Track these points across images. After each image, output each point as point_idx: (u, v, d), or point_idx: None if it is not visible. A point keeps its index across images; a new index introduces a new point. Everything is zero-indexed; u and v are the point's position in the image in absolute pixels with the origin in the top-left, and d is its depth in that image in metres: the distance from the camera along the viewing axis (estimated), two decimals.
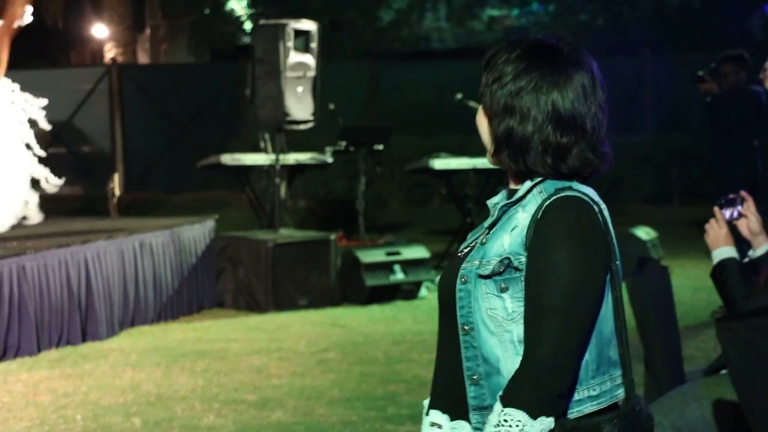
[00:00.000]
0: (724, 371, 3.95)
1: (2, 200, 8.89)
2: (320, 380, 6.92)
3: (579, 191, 2.31)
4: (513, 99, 2.31)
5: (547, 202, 2.27)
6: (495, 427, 2.21)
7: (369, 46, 20.56)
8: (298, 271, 9.51)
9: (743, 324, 3.30)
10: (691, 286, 9.44)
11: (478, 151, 11.16)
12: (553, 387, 2.21)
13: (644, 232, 10.63)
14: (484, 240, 2.35)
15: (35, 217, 9.21)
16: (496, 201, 2.41)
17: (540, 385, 2.20)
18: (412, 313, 9.18)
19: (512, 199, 2.34)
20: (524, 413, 2.19)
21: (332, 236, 9.89)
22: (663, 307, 4.36)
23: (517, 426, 2.20)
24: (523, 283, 2.26)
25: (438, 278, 2.50)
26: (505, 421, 2.20)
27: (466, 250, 2.38)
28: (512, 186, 2.40)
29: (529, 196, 2.32)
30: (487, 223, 2.38)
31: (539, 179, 2.33)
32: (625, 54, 19.09)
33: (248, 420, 6.04)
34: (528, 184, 2.33)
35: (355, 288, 9.67)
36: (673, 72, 17.03)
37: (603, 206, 2.33)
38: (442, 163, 11.13)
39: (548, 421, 2.21)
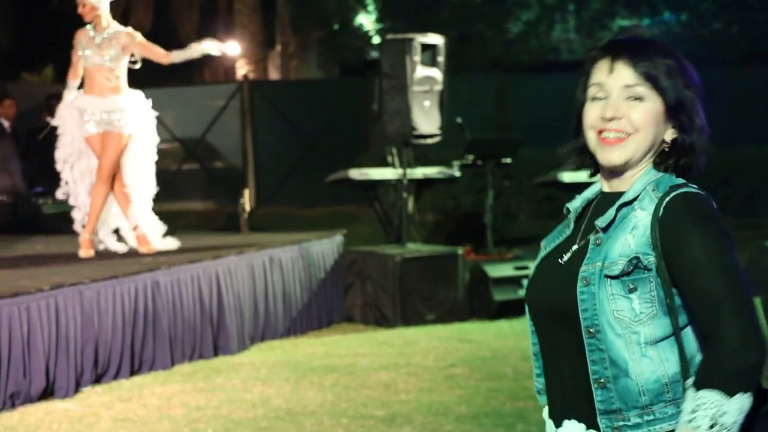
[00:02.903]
0: None
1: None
2: (448, 396, 6.90)
3: (692, 187, 2.35)
4: (694, 103, 2.39)
5: (667, 199, 2.30)
6: (691, 413, 2.21)
7: (497, 58, 20.48)
8: (425, 285, 9.50)
9: None
10: None
11: None
12: (747, 361, 2.21)
13: None
14: (598, 241, 2.34)
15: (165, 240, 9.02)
16: (577, 205, 2.47)
17: (733, 362, 2.20)
18: None
19: (628, 199, 2.36)
20: (720, 392, 2.19)
21: (460, 250, 9.87)
22: None
23: (713, 406, 2.19)
24: (652, 284, 2.28)
25: (527, 289, 2.51)
26: (702, 404, 2.20)
27: (567, 256, 2.39)
28: (607, 188, 2.43)
29: (642, 194, 2.35)
30: (601, 222, 2.36)
31: (652, 177, 2.36)
32: (761, 63, 18.63)
33: None
34: (640, 182, 2.36)
35: (483, 303, 9.62)
36: None
37: (712, 199, 2.37)
38: (570, 176, 11.00)
39: (746, 398, 2.20)
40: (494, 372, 7.52)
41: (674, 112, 2.36)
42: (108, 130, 8.55)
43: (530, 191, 15.46)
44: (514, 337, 8.73)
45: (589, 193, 2.48)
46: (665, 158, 2.39)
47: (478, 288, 9.67)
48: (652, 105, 2.36)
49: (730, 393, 2.18)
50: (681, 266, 2.25)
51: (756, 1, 20.03)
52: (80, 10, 8.64)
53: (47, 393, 6.81)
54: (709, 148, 2.41)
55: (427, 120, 10.04)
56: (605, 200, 2.41)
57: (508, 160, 11.21)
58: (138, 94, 8.73)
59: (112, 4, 8.77)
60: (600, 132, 2.38)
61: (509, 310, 9.50)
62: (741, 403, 2.19)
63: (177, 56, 8.73)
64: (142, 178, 8.72)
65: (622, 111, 2.36)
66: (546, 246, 2.48)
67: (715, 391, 2.18)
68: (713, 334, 2.23)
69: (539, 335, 2.46)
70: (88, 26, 8.67)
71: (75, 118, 8.63)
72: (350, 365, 7.85)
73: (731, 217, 15.10)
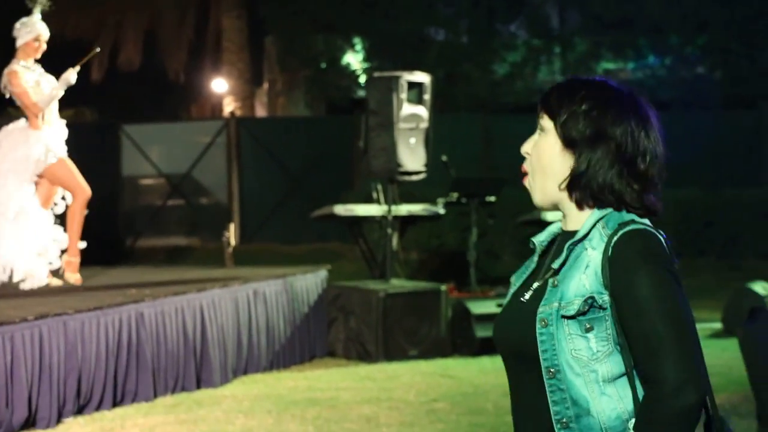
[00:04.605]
0: None
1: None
2: (429, 430, 6.93)
3: (641, 223, 2.34)
4: (596, 137, 2.34)
5: (615, 238, 2.30)
6: None
7: (483, 98, 20.62)
8: (408, 321, 9.55)
9: None
10: None
11: None
12: (685, 404, 2.21)
13: (762, 287, 10.42)
14: (555, 282, 2.35)
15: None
16: (542, 239, 2.48)
17: (671, 405, 2.20)
18: None
19: (578, 237, 2.36)
20: None
21: (443, 287, 9.92)
22: None
23: None
24: (608, 322, 2.28)
25: (494, 326, 2.50)
26: None
27: (528, 294, 2.39)
28: (564, 226, 2.43)
29: (593, 232, 2.35)
30: (556, 264, 2.37)
31: (601, 214, 2.35)
32: (743, 107, 18.83)
33: None
34: (590, 220, 2.36)
35: (466, 339, 9.67)
36: None
37: (663, 235, 2.35)
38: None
39: None
40: (475, 407, 7.56)
41: (569, 144, 2.36)
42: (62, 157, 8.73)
43: (514, 230, 15.50)
44: (496, 374, 8.76)
45: (555, 228, 2.49)
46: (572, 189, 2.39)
47: (461, 324, 9.72)
48: (550, 138, 2.39)
49: None
50: (626, 308, 2.26)
51: (739, 46, 20.26)
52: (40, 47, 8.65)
53: (29, 423, 6.81)
54: (634, 186, 2.35)
55: (412, 157, 10.12)
56: (563, 239, 2.42)
57: (493, 199, 11.28)
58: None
59: (102, 43, 8.79)
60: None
61: (491, 346, 9.53)
62: None
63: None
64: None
65: (529, 147, 2.43)
66: (515, 282, 2.49)
67: None
68: (651, 377, 2.23)
69: (507, 372, 2.46)
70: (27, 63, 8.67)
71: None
72: (332, 399, 7.88)
73: (713, 258, 15.20)
